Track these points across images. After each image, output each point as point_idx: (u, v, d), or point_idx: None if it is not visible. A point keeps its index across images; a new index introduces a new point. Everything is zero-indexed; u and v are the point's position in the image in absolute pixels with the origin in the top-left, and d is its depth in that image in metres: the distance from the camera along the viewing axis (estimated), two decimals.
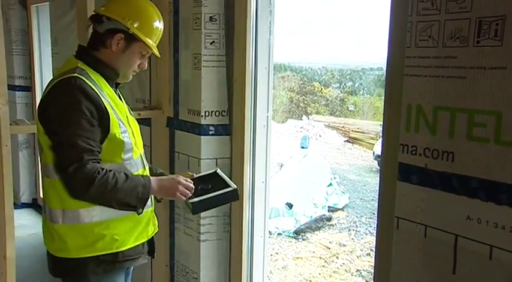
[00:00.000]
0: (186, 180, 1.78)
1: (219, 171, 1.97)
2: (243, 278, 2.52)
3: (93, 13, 1.77)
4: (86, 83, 1.61)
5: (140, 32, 1.71)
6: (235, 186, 1.88)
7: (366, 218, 7.83)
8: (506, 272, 1.33)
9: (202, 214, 2.53)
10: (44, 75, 4.88)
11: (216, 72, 2.49)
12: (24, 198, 5.06)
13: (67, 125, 1.57)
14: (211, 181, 1.91)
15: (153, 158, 2.80)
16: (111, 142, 1.65)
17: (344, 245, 6.67)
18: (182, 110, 2.65)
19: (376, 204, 1.74)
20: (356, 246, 6.65)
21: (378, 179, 1.72)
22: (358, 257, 6.26)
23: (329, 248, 6.55)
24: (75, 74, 1.62)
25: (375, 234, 1.73)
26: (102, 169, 1.59)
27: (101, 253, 1.68)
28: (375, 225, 1.73)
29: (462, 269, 1.45)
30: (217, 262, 2.62)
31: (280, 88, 21.11)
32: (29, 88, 4.95)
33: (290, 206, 7.26)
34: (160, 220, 2.75)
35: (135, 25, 1.71)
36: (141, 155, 1.80)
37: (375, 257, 1.76)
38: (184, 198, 1.78)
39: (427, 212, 1.53)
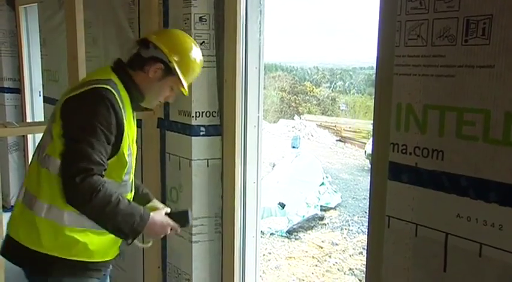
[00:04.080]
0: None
1: (190, 212, 1.93)
2: (235, 278, 2.52)
3: (143, 38, 1.84)
4: (115, 97, 1.65)
5: (180, 68, 1.78)
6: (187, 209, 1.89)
7: (358, 217, 7.86)
8: (496, 269, 1.34)
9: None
10: (33, 77, 4.84)
11: (207, 73, 2.48)
12: (14, 201, 5.01)
13: (87, 136, 1.58)
14: (180, 220, 1.89)
15: (144, 160, 2.79)
16: (119, 160, 1.69)
17: (337, 244, 6.68)
18: (173, 111, 2.64)
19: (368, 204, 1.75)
20: (348, 245, 6.67)
21: (369, 180, 1.72)
22: (350, 256, 6.28)
23: (322, 247, 6.56)
24: (108, 87, 1.65)
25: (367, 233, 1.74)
26: (106, 185, 1.59)
27: (69, 258, 1.68)
28: (367, 224, 1.74)
29: (453, 266, 1.45)
30: (209, 263, 2.61)
31: (271, 88, 21.15)
32: (18, 90, 4.91)
33: (282, 205, 7.26)
34: None
35: (177, 61, 1.78)
36: (132, 179, 1.85)
37: (366, 256, 1.76)
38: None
39: (417, 211, 1.53)
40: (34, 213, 1.67)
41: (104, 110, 1.61)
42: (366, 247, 1.78)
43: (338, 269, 5.89)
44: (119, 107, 1.65)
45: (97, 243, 1.72)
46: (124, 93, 1.73)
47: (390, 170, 1.60)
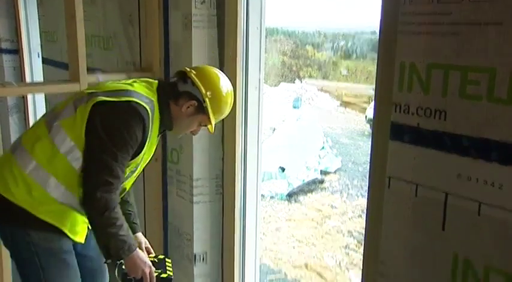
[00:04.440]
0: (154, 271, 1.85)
1: (167, 259, 2.01)
2: (235, 239, 2.55)
3: (183, 70, 1.88)
4: (149, 119, 1.73)
5: (211, 108, 1.83)
6: (172, 276, 1.92)
7: (357, 181, 7.93)
8: (494, 227, 1.35)
9: (195, 176, 2.54)
10: (31, 38, 4.76)
11: (207, 33, 2.44)
12: None
13: (115, 148, 1.65)
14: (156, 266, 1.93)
15: None
16: None
17: (336, 207, 6.78)
18: (173, 72, 2.61)
19: (368, 168, 1.75)
20: (348, 208, 6.75)
21: (370, 142, 1.72)
22: (349, 219, 6.38)
23: (321, 210, 6.65)
24: (147, 108, 1.72)
25: (366, 197, 1.75)
26: (118, 206, 1.70)
27: (37, 215, 1.71)
28: (367, 188, 1.74)
29: (451, 225, 1.47)
30: (210, 224, 2.65)
31: (272, 51, 20.87)
32: (16, 51, 4.84)
33: (283, 169, 7.31)
34: (153, 183, 2.75)
35: (211, 101, 1.82)
36: (125, 189, 1.91)
37: (366, 217, 1.77)
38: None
39: (418, 171, 1.53)
40: (19, 165, 1.70)
41: (137, 127, 1.68)
42: (365, 210, 1.79)
43: (337, 231, 5.99)
44: (148, 129, 1.72)
45: (68, 214, 1.76)
46: (157, 116, 1.79)
47: (392, 130, 1.59)
